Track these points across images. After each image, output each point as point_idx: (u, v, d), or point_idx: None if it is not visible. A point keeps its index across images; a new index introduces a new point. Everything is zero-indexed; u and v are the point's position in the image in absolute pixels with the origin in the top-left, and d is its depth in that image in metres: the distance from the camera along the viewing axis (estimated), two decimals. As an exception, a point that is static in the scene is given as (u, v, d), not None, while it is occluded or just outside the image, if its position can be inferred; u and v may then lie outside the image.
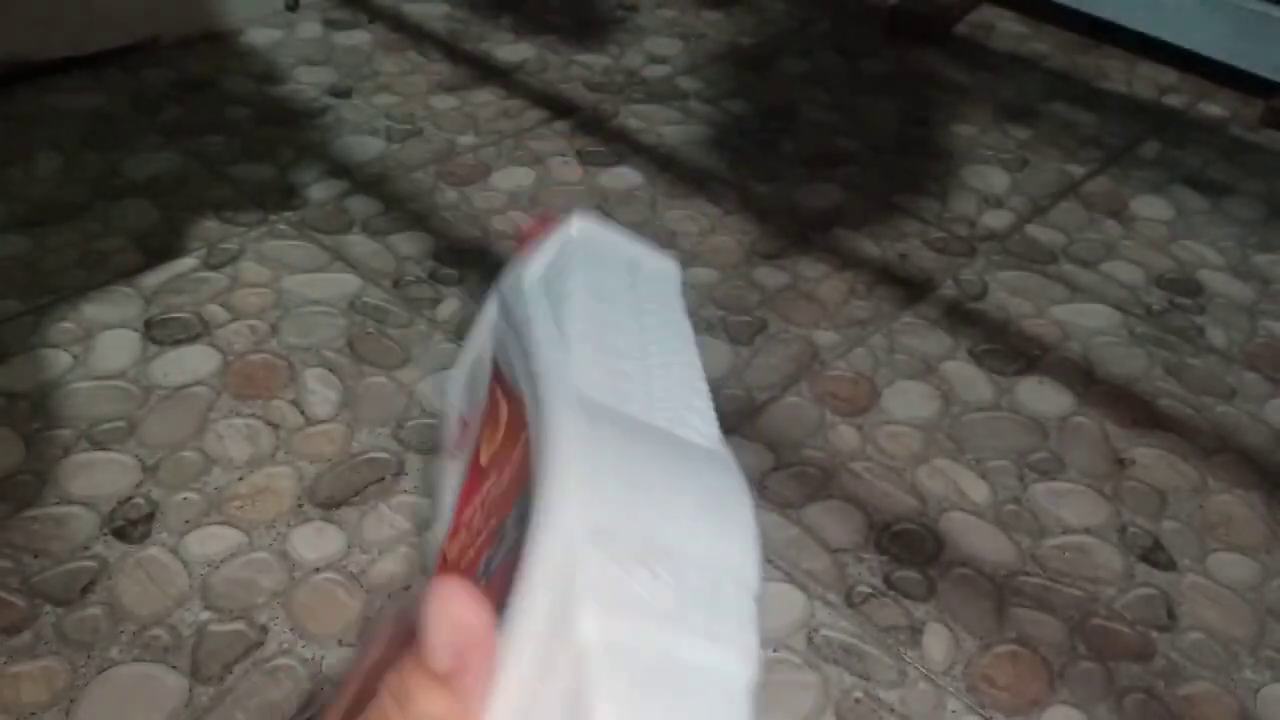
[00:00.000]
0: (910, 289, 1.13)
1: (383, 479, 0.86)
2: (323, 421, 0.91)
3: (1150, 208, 1.29)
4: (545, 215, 0.40)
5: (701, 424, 0.27)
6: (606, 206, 1.21)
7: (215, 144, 1.24)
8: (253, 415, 0.90)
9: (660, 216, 1.20)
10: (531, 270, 0.32)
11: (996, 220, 1.25)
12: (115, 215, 1.12)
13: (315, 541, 0.81)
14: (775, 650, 0.77)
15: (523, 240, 0.36)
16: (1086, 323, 1.10)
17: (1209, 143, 1.43)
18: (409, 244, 1.12)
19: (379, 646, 0.24)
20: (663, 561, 0.22)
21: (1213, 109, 1.52)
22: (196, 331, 0.98)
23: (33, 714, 0.69)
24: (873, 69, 1.54)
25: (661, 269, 0.34)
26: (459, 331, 1.01)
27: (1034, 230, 1.24)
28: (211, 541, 0.80)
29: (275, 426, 0.90)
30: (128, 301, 1.01)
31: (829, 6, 1.71)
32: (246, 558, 0.79)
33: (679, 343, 0.31)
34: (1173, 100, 1.53)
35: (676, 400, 0.28)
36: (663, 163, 1.29)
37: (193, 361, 0.95)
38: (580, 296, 0.30)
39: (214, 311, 1.01)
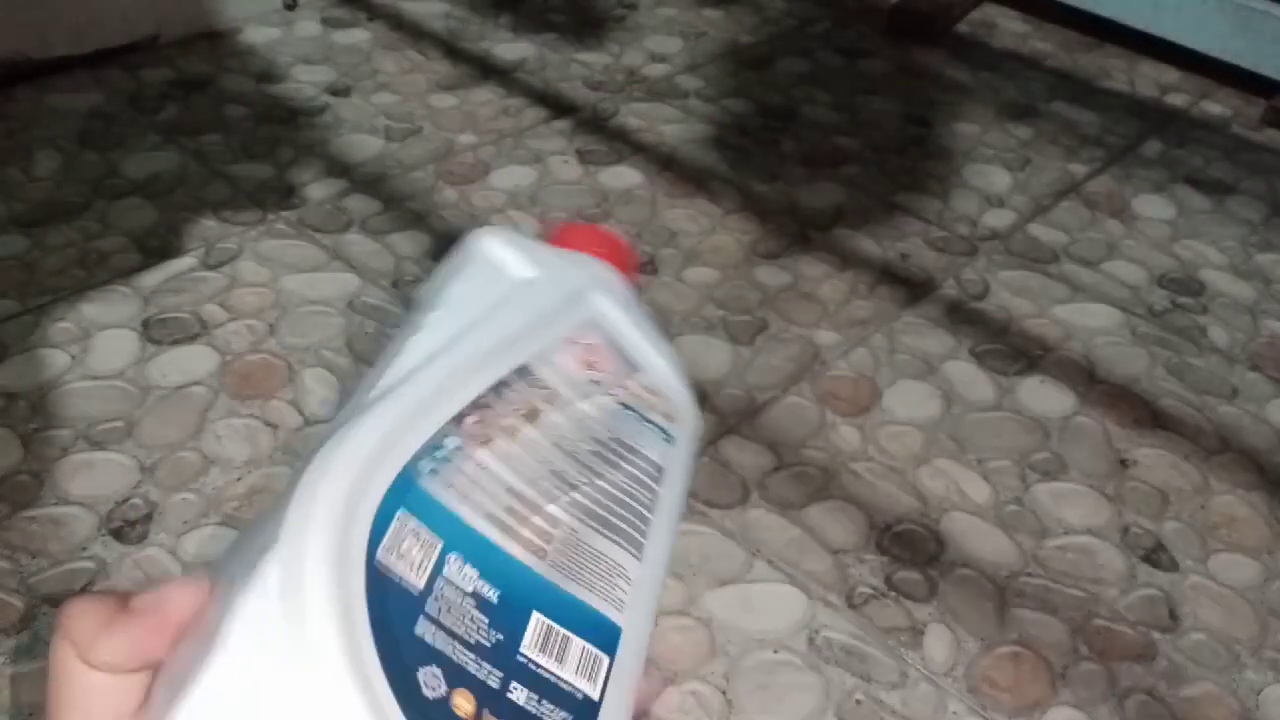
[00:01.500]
0: (911, 288, 1.12)
1: (382, 479, 0.86)
2: (321, 421, 0.90)
3: (1152, 207, 1.29)
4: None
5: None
6: (606, 205, 1.21)
7: (214, 143, 1.24)
8: (251, 415, 0.90)
9: (660, 216, 1.20)
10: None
11: (998, 219, 1.24)
12: (114, 215, 1.12)
13: (314, 542, 0.80)
14: (776, 651, 0.76)
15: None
16: (1088, 322, 1.10)
17: (1211, 142, 1.43)
18: (408, 243, 1.12)
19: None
20: None
21: (1214, 108, 1.51)
22: (195, 331, 0.98)
23: (31, 715, 0.69)
24: (873, 68, 1.54)
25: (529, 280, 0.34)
26: (458, 331, 1.00)
27: (1036, 229, 1.23)
28: (209, 542, 0.80)
29: (274, 426, 0.89)
30: (126, 301, 1.01)
31: (830, 5, 1.71)
32: (245, 558, 0.79)
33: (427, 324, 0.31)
34: (1174, 99, 1.53)
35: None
36: (663, 162, 1.29)
37: (191, 361, 0.95)
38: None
39: (212, 311, 1.00)
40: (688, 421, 0.35)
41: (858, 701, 0.74)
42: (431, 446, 0.26)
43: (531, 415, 0.29)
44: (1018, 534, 0.87)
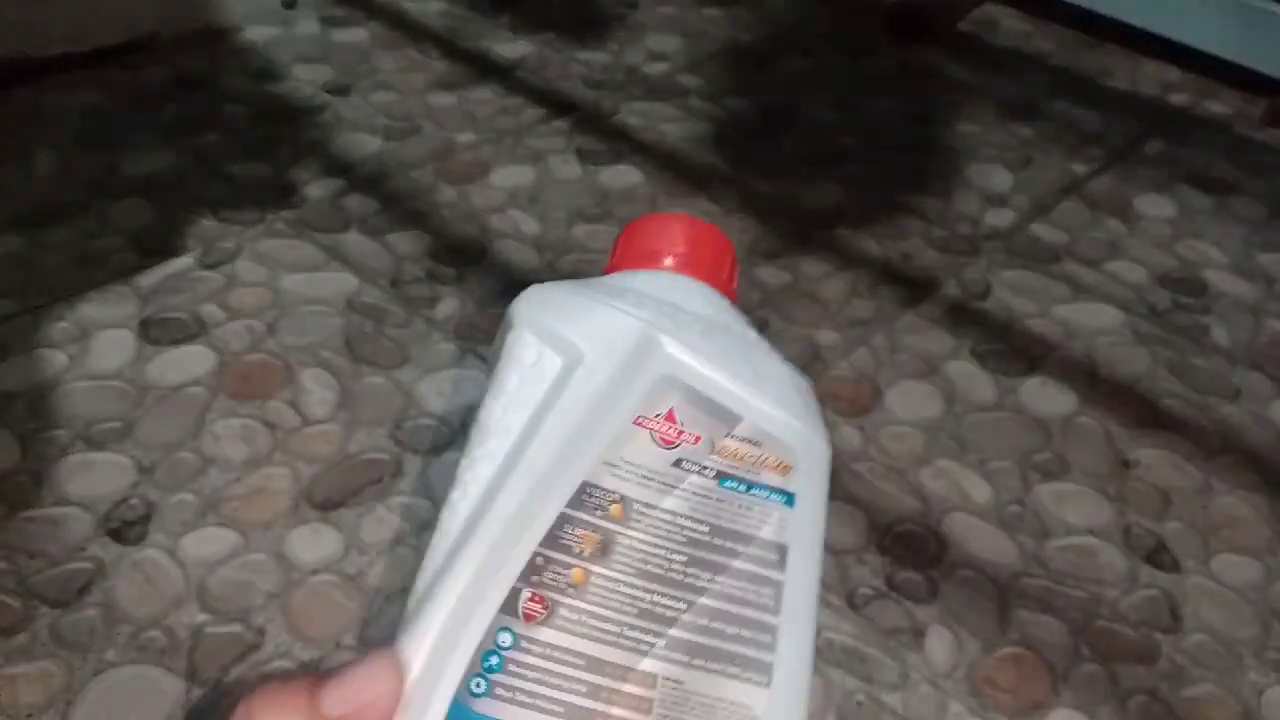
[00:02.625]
0: (913, 288, 1.12)
1: (380, 480, 0.85)
2: (320, 422, 0.90)
3: (1154, 206, 1.29)
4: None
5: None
6: (606, 205, 1.20)
7: (212, 142, 1.24)
8: (249, 416, 0.90)
9: (661, 215, 1.19)
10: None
11: (999, 219, 1.24)
12: (112, 214, 1.11)
13: (312, 543, 0.80)
14: (776, 653, 0.76)
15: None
16: (1090, 322, 1.09)
17: (1213, 141, 1.43)
18: (407, 243, 1.11)
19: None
20: None
21: (1216, 107, 1.51)
22: (193, 331, 0.98)
23: (29, 716, 0.68)
24: (874, 67, 1.54)
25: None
26: (457, 331, 1.00)
27: (1037, 229, 1.23)
28: (208, 543, 0.80)
29: (272, 427, 0.89)
30: (124, 301, 1.00)
31: (830, 3, 1.71)
32: (243, 559, 0.79)
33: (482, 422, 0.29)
34: (1176, 98, 1.52)
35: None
36: (663, 160, 1.29)
37: (189, 361, 0.95)
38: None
39: (211, 311, 1.00)
40: (814, 457, 0.29)
41: (859, 703, 0.73)
42: (484, 656, 0.23)
43: (602, 550, 0.25)
44: (1019, 534, 0.86)
